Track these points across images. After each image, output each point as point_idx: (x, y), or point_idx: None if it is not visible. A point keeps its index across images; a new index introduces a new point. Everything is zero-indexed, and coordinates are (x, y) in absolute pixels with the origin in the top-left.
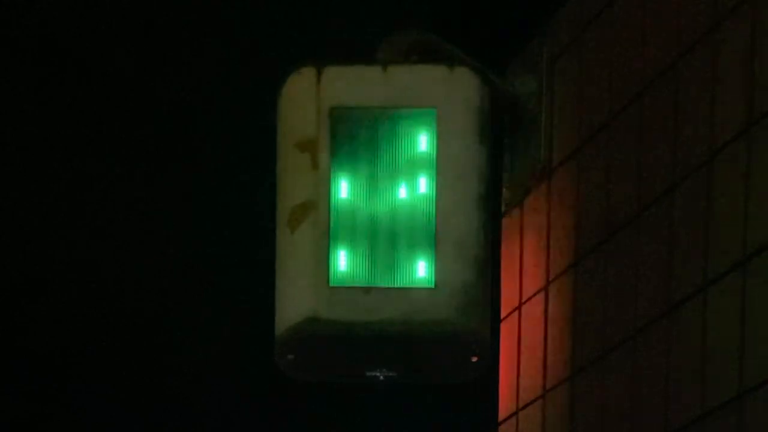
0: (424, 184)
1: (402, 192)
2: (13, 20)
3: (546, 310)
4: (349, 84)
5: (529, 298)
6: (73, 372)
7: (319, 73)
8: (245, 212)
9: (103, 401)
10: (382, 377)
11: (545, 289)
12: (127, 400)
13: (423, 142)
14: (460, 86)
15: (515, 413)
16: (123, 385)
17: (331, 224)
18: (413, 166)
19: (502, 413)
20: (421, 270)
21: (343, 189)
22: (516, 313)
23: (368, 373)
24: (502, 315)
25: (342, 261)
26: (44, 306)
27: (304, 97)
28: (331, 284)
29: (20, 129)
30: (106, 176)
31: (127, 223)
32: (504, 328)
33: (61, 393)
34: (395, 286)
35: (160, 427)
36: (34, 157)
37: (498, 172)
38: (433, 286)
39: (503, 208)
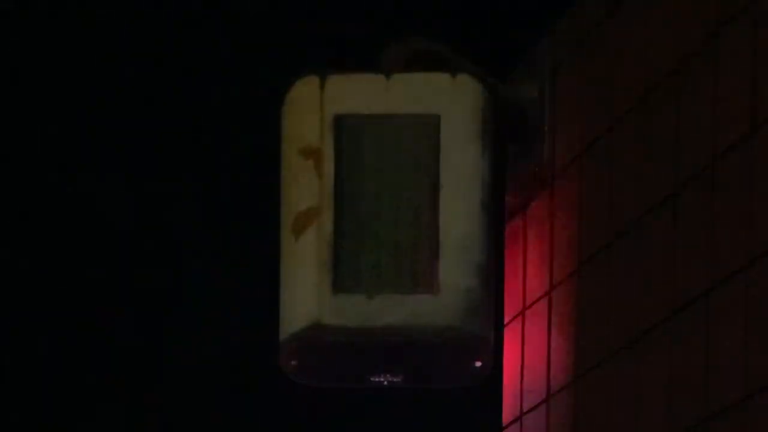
0: (427, 191)
1: (405, 198)
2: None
3: (549, 315)
4: (353, 92)
5: (533, 303)
6: (73, 374)
7: (322, 81)
8: (249, 219)
9: (104, 403)
10: (385, 382)
11: (549, 294)
12: (130, 403)
13: (426, 149)
14: (462, 93)
15: (519, 418)
16: (125, 388)
17: (335, 231)
18: (416, 173)
19: (506, 418)
20: (425, 276)
21: (347, 196)
22: (519, 318)
23: (372, 379)
24: (506, 320)
25: (346, 267)
26: (44, 307)
27: (308, 105)
28: (335, 290)
29: (21, 129)
30: (108, 180)
31: (130, 228)
32: (508, 333)
33: (60, 393)
34: (399, 292)
35: (163, 430)
36: (34, 158)
37: (501, 178)
38: (436, 292)
39: (506, 215)
